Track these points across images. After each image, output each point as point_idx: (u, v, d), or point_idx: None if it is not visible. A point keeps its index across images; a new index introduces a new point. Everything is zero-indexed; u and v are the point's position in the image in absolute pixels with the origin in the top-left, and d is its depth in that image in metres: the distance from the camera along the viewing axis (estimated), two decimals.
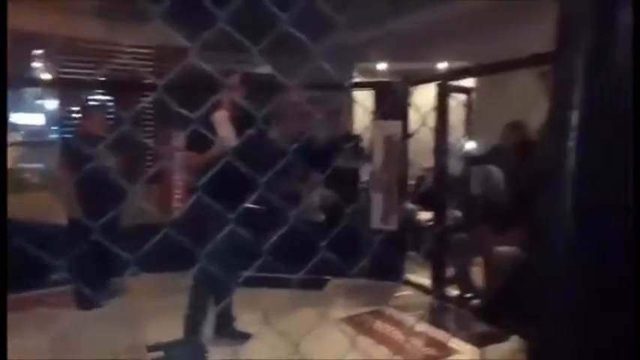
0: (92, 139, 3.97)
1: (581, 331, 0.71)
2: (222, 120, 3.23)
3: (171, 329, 3.35)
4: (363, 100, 4.76)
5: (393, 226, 4.97)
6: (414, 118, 4.87)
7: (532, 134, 4.14)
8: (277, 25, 1.05)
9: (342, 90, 4.82)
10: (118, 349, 3.27)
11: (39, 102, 5.70)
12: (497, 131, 4.43)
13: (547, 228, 0.76)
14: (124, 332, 3.53)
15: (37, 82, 5.34)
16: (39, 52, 5.41)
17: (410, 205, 5.59)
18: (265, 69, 4.86)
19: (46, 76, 5.36)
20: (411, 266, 5.16)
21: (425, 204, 5.55)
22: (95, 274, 3.90)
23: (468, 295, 4.40)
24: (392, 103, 4.62)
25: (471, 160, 4.90)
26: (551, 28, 0.73)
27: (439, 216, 4.80)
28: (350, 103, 6.03)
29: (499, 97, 4.71)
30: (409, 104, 4.87)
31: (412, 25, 5.62)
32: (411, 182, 5.85)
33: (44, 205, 4.46)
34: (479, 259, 4.29)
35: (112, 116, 4.65)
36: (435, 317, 4.21)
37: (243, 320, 3.57)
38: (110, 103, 5.02)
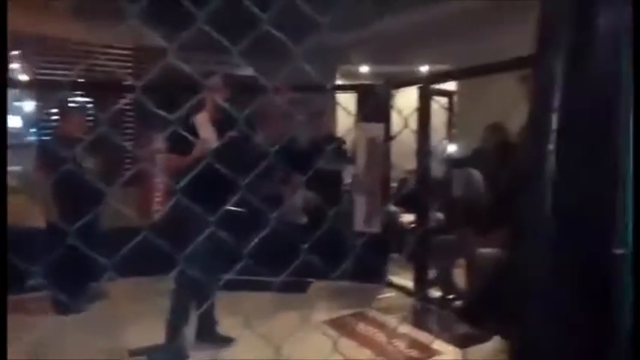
0: (71, 141, 3.90)
1: (562, 331, 0.71)
2: (203, 122, 3.21)
3: (153, 333, 3.30)
4: (346, 103, 4.76)
5: (375, 228, 4.98)
6: (396, 120, 4.89)
7: (512, 136, 4.19)
8: (261, 28, 1.04)
9: (325, 92, 4.83)
10: (99, 354, 3.22)
11: (16, 104, 5.58)
12: (478, 134, 4.47)
13: (528, 229, 0.76)
14: (105, 337, 3.47)
15: (14, 84, 5.23)
16: (16, 52, 5.31)
17: (393, 208, 5.61)
18: (248, 71, 4.85)
19: (24, 77, 5.26)
20: (394, 268, 5.18)
21: (407, 206, 5.58)
22: (75, 278, 3.83)
23: (451, 296, 4.43)
24: (374, 105, 4.63)
25: (453, 162, 4.94)
26: (533, 30, 0.73)
27: (422, 218, 4.82)
28: (332, 105, 6.04)
29: (480, 99, 4.76)
30: (391, 107, 4.89)
31: (394, 28, 5.65)
32: (394, 184, 5.88)
33: (22, 209, 4.37)
34: (461, 261, 4.32)
35: (91, 118, 4.58)
36: (418, 319, 4.23)
37: (226, 324, 3.54)
38: (89, 105, 4.94)
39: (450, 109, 5.70)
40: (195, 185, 1.54)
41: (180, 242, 1.65)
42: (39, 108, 5.55)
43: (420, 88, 4.73)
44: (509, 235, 3.27)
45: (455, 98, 5.80)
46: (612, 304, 0.67)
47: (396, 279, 5.00)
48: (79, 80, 5.41)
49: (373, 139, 5.00)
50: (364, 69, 6.89)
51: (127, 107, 5.54)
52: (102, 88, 5.20)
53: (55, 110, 5.10)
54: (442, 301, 4.43)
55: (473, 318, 3.75)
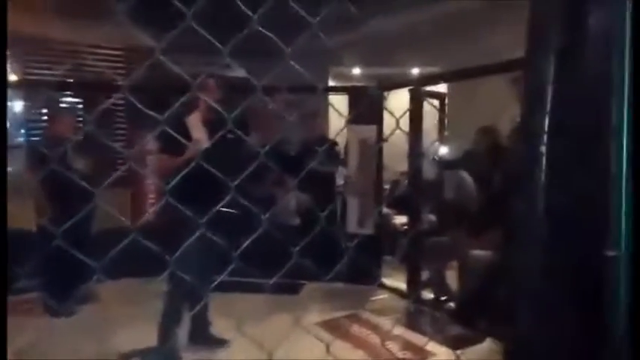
0: (60, 142, 3.87)
1: (555, 333, 0.71)
2: (196, 123, 3.20)
3: (145, 336, 3.28)
4: (338, 105, 4.77)
5: (368, 230, 4.98)
6: (388, 122, 4.90)
7: (504, 138, 4.21)
8: (251, 27, 1.03)
9: (317, 94, 4.82)
10: (91, 358, 3.19)
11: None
12: (470, 136, 4.49)
13: (520, 231, 0.76)
14: (96, 340, 3.44)
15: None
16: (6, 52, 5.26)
17: (385, 209, 5.62)
18: (240, 72, 4.83)
19: (12, 77, 5.21)
20: (387, 270, 5.18)
21: (399, 208, 5.59)
22: (66, 280, 3.81)
23: (443, 298, 4.44)
24: (366, 107, 4.63)
25: (445, 164, 4.95)
26: (525, 31, 0.73)
27: (414, 220, 4.83)
28: (325, 107, 6.04)
29: (472, 102, 4.78)
30: (383, 109, 4.90)
31: (386, 30, 5.66)
32: (386, 186, 5.88)
33: (11, 210, 4.32)
34: (454, 263, 4.33)
35: (81, 119, 4.55)
36: (411, 320, 4.23)
37: (219, 326, 3.52)
38: (80, 106, 4.91)
39: (441, 111, 5.71)
40: (188, 186, 1.53)
41: (174, 243, 1.64)
42: (29, 108, 5.50)
43: (412, 90, 4.74)
44: (502, 236, 3.29)
45: (446, 100, 5.82)
46: (604, 305, 0.67)
47: (389, 281, 5.00)
48: (69, 80, 5.37)
49: (365, 141, 5.01)
50: (356, 71, 6.90)
51: (120, 108, 5.51)
52: (92, 89, 5.17)
53: (45, 111, 5.06)
54: (435, 303, 4.44)
55: (466, 319, 3.76)
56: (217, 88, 3.24)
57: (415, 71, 6.32)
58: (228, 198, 1.15)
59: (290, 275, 1.44)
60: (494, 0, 4.39)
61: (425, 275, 4.65)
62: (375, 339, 3.78)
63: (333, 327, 3.99)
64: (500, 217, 3.29)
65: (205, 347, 3.44)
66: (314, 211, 3.83)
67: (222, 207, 1.35)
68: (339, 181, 5.63)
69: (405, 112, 4.51)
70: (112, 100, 4.47)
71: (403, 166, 5.56)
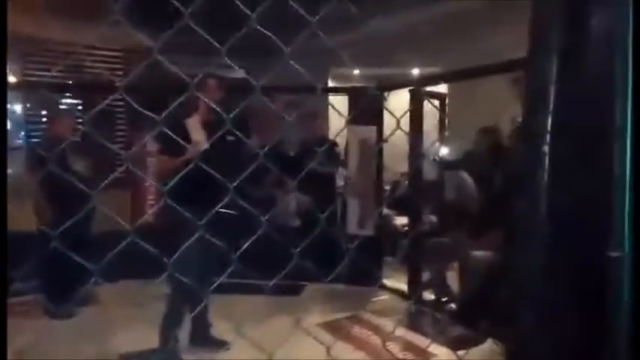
0: (60, 143, 3.87)
1: (557, 333, 0.70)
2: (195, 124, 3.19)
3: (144, 338, 3.27)
4: (338, 105, 4.76)
5: (369, 231, 4.97)
6: (388, 123, 4.89)
7: (505, 138, 4.21)
8: (249, 27, 1.03)
9: (317, 94, 4.82)
10: (90, 359, 3.19)
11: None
12: (471, 136, 4.48)
13: (521, 231, 0.75)
14: (96, 341, 3.44)
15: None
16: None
17: (386, 210, 5.61)
18: (240, 73, 4.83)
19: (12, 79, 5.21)
20: (388, 271, 5.17)
21: (400, 209, 5.58)
22: (65, 282, 3.80)
23: (445, 299, 4.43)
24: (366, 108, 4.62)
25: (445, 165, 4.94)
26: (526, 31, 0.72)
27: (415, 221, 4.83)
28: (325, 107, 6.03)
29: (472, 102, 4.78)
30: (384, 109, 4.89)
31: (386, 31, 5.65)
32: (386, 187, 5.87)
33: (11, 212, 4.32)
34: (455, 264, 4.32)
35: (80, 120, 4.55)
36: (412, 321, 4.22)
37: (220, 327, 3.51)
38: (79, 107, 4.91)
39: (442, 111, 5.71)
40: (188, 188, 1.53)
41: (174, 245, 1.64)
42: (28, 110, 5.50)
43: (412, 91, 4.73)
44: (503, 237, 3.28)
45: (447, 100, 5.82)
46: (607, 306, 0.67)
47: (389, 282, 4.99)
48: (68, 82, 5.36)
49: (365, 142, 5.00)
50: (356, 71, 6.89)
51: (119, 110, 5.50)
52: (92, 90, 5.16)
53: (44, 112, 5.06)
54: (436, 304, 4.43)
55: (467, 320, 3.75)
56: (217, 89, 3.24)
57: (415, 71, 6.32)
58: (227, 199, 1.14)
59: (291, 277, 1.43)
60: (495, 0, 4.39)
61: (426, 276, 4.64)
62: (376, 340, 3.78)
63: (334, 328, 3.98)
64: (501, 218, 3.28)
65: (206, 349, 3.43)
66: (314, 213, 3.83)
67: (222, 208, 1.35)
68: (340, 182, 5.62)
69: (405, 113, 4.51)
70: (108, 101, 4.47)
71: (403, 166, 5.56)
